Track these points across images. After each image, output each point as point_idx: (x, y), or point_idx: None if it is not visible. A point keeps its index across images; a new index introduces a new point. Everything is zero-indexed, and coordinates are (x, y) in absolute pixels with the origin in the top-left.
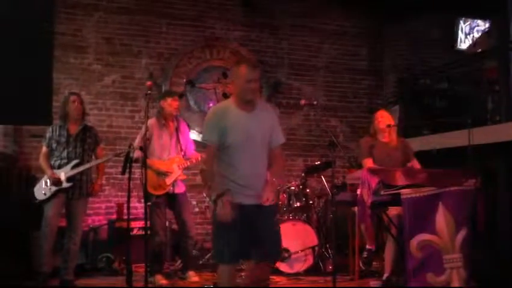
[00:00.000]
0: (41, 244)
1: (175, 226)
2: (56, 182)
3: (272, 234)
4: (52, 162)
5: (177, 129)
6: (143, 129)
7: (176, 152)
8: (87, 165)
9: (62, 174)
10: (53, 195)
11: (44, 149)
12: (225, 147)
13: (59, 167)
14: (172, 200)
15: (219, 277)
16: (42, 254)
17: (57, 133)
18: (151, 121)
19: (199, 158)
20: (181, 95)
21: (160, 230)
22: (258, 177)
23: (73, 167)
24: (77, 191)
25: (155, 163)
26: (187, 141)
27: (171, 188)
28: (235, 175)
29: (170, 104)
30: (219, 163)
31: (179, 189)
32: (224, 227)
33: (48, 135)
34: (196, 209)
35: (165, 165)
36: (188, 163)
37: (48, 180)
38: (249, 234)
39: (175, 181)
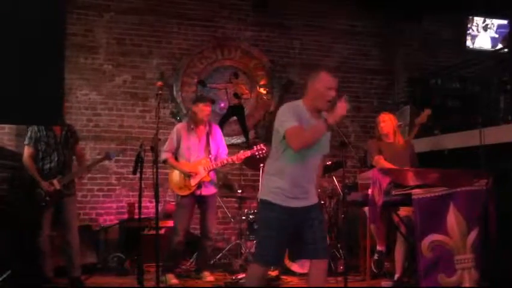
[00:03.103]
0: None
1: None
2: (55, 192)
3: (322, 232)
4: (41, 165)
5: (208, 134)
6: (173, 134)
7: (206, 155)
8: (77, 172)
9: (57, 183)
10: (49, 204)
11: (31, 150)
12: (287, 149)
13: (50, 170)
14: (200, 201)
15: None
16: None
17: (44, 133)
18: (181, 125)
19: (225, 162)
20: (213, 101)
21: (180, 230)
22: (310, 182)
23: (64, 173)
24: (65, 190)
25: (179, 164)
26: (218, 145)
27: (198, 191)
28: (289, 180)
29: (201, 110)
30: (274, 164)
31: (208, 191)
32: (268, 230)
33: (33, 135)
34: None
35: (189, 166)
36: (215, 166)
37: (43, 192)
38: (298, 235)
39: (201, 182)
